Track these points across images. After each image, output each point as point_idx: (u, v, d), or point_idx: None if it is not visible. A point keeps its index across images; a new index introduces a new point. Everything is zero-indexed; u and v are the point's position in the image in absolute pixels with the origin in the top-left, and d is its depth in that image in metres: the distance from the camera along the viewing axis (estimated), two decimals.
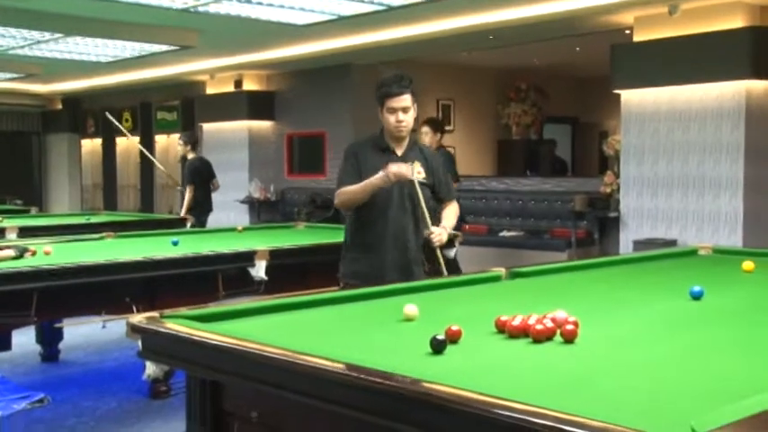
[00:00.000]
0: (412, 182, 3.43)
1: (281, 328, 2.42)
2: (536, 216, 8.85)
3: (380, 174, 3.39)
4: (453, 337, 2.12)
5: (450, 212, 3.69)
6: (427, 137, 5.85)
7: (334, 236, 5.17)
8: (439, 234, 3.48)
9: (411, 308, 2.50)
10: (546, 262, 3.79)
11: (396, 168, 3.39)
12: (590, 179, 8.91)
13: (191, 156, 8.17)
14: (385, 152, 3.53)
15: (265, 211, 11.42)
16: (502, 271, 3.32)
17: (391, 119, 3.44)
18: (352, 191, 3.45)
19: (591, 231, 8.23)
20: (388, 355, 2.03)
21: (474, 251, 8.10)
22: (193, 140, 8.26)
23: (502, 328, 2.24)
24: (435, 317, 2.52)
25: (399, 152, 3.55)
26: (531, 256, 7.77)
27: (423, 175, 3.53)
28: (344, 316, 2.62)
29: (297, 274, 4.77)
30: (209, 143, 12.31)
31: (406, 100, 3.42)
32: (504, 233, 8.75)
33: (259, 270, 4.55)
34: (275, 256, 4.64)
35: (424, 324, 2.43)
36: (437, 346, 2.00)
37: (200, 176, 8.15)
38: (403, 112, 3.44)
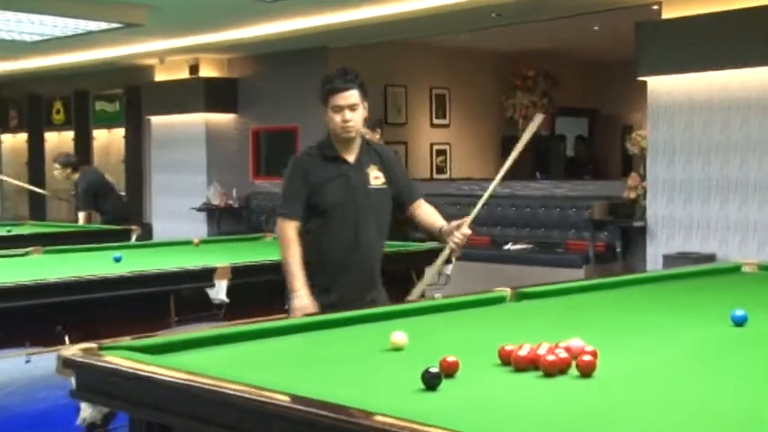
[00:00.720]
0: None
1: (245, 360, 2.41)
2: (547, 226, 8.89)
3: (293, 302, 3.54)
4: (449, 370, 2.11)
5: (435, 212, 3.82)
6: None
7: None
8: (462, 237, 3.65)
9: (399, 336, 2.50)
10: (559, 281, 3.79)
11: (299, 306, 3.50)
12: (611, 182, 8.97)
13: (75, 176, 8.10)
14: (335, 162, 3.61)
15: (227, 221, 11.41)
16: (506, 291, 3.32)
17: (337, 118, 3.53)
18: (286, 255, 3.60)
19: (612, 244, 8.27)
20: (371, 391, 2.02)
21: (473, 267, 8.11)
22: (72, 162, 8.20)
23: (506, 360, 2.24)
24: (428, 346, 2.51)
25: (351, 158, 3.61)
26: (540, 274, 7.79)
27: (381, 180, 3.61)
28: (320, 345, 2.62)
29: (264, 295, 4.75)
30: (159, 140, 12.29)
31: (352, 96, 3.53)
32: (509, 246, 8.78)
33: (219, 291, 4.54)
34: (238, 274, 4.62)
35: (414, 354, 2.43)
36: (430, 381, 2.00)
37: (103, 188, 8.11)
38: (350, 110, 3.53)
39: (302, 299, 3.49)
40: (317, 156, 3.63)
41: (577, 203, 8.67)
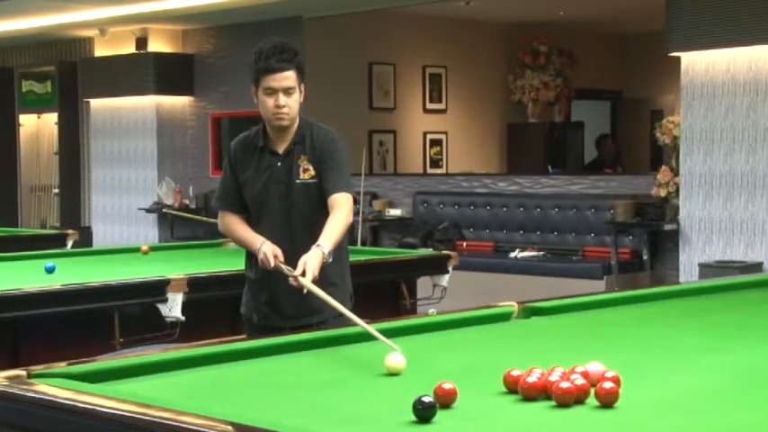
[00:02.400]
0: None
1: (206, 389, 2.41)
2: (561, 230, 8.92)
3: (261, 254, 3.50)
4: (445, 400, 2.12)
5: (336, 219, 3.44)
6: (291, 95, 5.66)
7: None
8: (297, 276, 3.22)
9: (396, 358, 2.52)
10: (575, 294, 3.81)
11: (268, 250, 3.48)
12: (637, 177, 9.00)
13: None
14: (262, 152, 3.64)
15: (182, 224, 11.37)
16: (513, 306, 3.33)
17: (269, 102, 3.56)
18: (234, 233, 3.72)
19: (638, 251, 8.30)
20: (352, 424, 2.03)
21: (474, 278, 8.13)
22: None
23: (513, 387, 2.25)
24: (420, 370, 2.52)
25: (281, 149, 3.62)
26: (554, 286, 7.81)
27: (311, 172, 3.60)
28: (293, 370, 2.62)
29: (227, 312, 4.75)
30: (99, 127, 12.25)
31: (289, 78, 3.54)
32: (517, 253, 8.81)
33: (173, 307, 4.54)
34: (196, 286, 4.62)
35: (404, 380, 2.44)
36: (422, 412, 2.00)
37: None
38: (284, 94, 3.55)
39: (267, 244, 3.48)
40: (248, 144, 3.68)
41: (597, 203, 8.70)
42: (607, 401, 2.13)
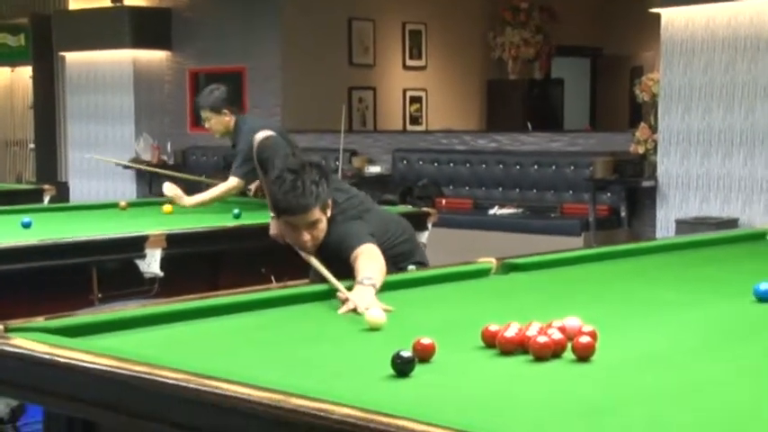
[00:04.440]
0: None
1: (183, 343, 2.42)
2: (540, 186, 8.93)
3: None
4: (424, 354, 2.14)
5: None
6: (210, 122, 5.63)
7: (259, 214, 5.15)
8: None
9: (376, 313, 2.54)
10: (553, 250, 3.83)
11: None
12: (616, 135, 9.00)
13: None
14: None
15: (160, 180, 11.32)
16: (492, 262, 3.35)
17: (291, 235, 3.42)
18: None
19: (617, 207, 8.33)
20: (331, 378, 2.05)
21: (453, 235, 8.14)
22: None
23: (491, 342, 2.27)
24: (399, 326, 2.54)
25: None
26: (532, 243, 7.83)
27: None
28: (271, 325, 2.64)
29: (206, 268, 4.78)
30: (75, 82, 12.13)
31: (311, 216, 3.30)
32: (496, 210, 8.82)
33: (151, 263, 4.53)
34: (174, 242, 4.61)
35: (383, 336, 2.46)
36: (401, 366, 2.02)
37: None
38: (308, 228, 3.33)
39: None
40: None
41: (576, 160, 8.72)
42: (583, 355, 2.15)
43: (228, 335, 2.54)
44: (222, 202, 5.66)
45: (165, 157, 11.30)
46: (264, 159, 4.08)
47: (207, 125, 5.58)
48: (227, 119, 5.51)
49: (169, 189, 5.61)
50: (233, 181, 5.47)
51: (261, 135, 4.35)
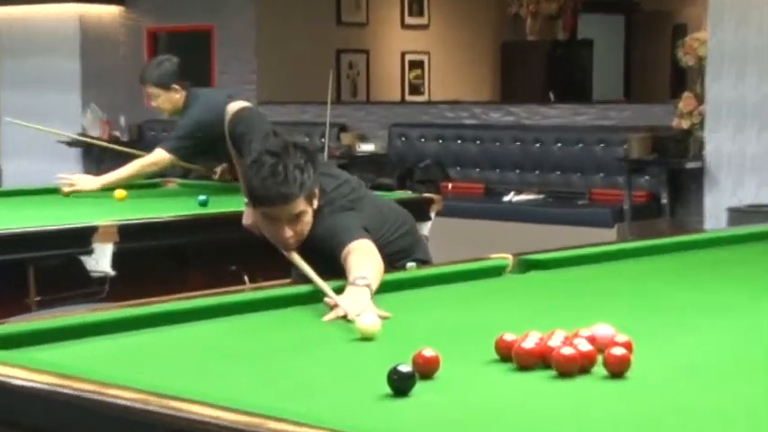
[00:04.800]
0: None
1: (139, 356, 2.42)
2: (565, 168, 8.93)
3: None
4: (426, 369, 2.13)
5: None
6: (158, 99, 5.64)
7: (230, 199, 5.14)
8: None
9: (369, 320, 2.53)
10: (580, 245, 3.82)
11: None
12: (655, 106, 9.01)
13: None
14: None
15: (112, 160, 11.30)
16: (507, 259, 3.35)
17: (270, 229, 3.39)
18: None
19: (656, 193, 8.34)
20: (317, 397, 2.05)
21: (462, 226, 8.15)
22: None
23: (506, 354, 2.27)
24: (397, 335, 2.54)
25: None
26: (555, 235, 7.83)
27: None
28: (246, 334, 2.64)
29: (166, 266, 4.78)
30: (9, 43, 12.09)
31: (294, 207, 3.28)
32: (512, 197, 8.82)
33: (100, 260, 4.53)
34: (128, 235, 4.59)
35: (379, 347, 2.46)
36: (399, 384, 2.02)
37: None
38: (290, 221, 3.31)
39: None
40: None
41: (608, 136, 8.71)
42: (617, 370, 2.14)
43: (193, 346, 2.54)
44: (187, 186, 5.63)
45: (117, 133, 11.29)
46: (239, 136, 4.03)
47: (154, 103, 5.67)
48: (177, 96, 5.55)
49: (63, 179, 5.74)
50: (159, 154, 5.50)
51: (235, 105, 4.28)
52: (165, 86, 5.52)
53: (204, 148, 5.47)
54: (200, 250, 4.91)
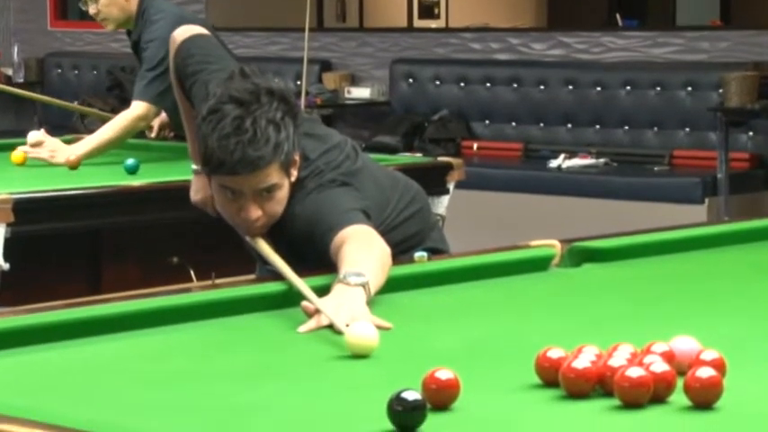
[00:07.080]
0: None
1: (43, 380, 2.44)
2: (635, 122, 8.95)
3: None
4: (440, 396, 2.16)
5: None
6: (98, 2, 5.67)
7: (169, 165, 5.17)
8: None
9: (363, 331, 2.55)
10: (654, 228, 3.85)
11: None
12: (763, 34, 9.00)
13: None
14: None
15: (4, 109, 11.35)
16: (554, 247, 3.38)
17: (230, 208, 3.54)
18: None
19: (763, 156, 8.36)
20: None
21: (492, 201, 8.17)
22: None
23: (551, 376, 2.29)
24: (401, 351, 2.57)
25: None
26: (621, 214, 7.86)
27: None
28: (196, 351, 2.67)
29: (80, 255, 4.83)
30: None
31: (264, 178, 3.34)
32: (561, 161, 8.81)
33: None
34: (27, 213, 4.62)
35: (376, 367, 2.48)
36: (404, 417, 2.04)
37: None
38: (256, 197, 3.38)
39: None
40: None
41: (696, 77, 8.72)
42: (703, 398, 2.17)
43: (118, 367, 2.55)
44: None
45: (8, 71, 11.33)
46: (188, 75, 4.01)
47: (92, 10, 5.56)
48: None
49: (34, 137, 5.59)
50: (138, 108, 5.46)
51: (182, 32, 4.22)
52: None
53: None
54: (127, 235, 4.95)
